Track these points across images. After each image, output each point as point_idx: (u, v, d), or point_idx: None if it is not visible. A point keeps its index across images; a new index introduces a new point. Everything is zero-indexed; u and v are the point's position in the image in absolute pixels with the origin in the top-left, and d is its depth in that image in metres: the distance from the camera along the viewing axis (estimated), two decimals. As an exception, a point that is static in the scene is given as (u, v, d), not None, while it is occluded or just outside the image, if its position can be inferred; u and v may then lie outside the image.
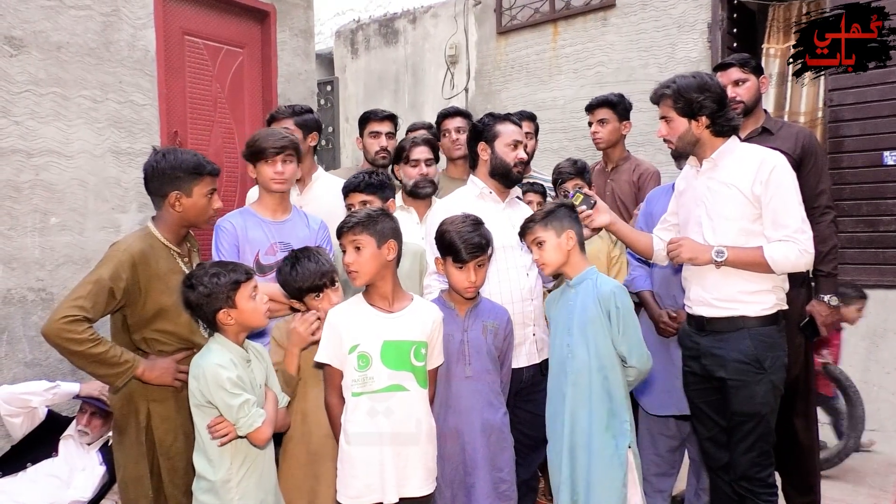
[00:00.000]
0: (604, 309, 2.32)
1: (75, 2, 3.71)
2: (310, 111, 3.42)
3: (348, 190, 2.89)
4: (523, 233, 2.45)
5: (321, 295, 2.36)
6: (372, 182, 2.87)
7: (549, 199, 3.70)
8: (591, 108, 3.75)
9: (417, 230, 3.10)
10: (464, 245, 2.33)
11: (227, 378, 2.04)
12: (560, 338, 2.44)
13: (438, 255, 2.44)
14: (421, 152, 3.21)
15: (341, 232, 2.25)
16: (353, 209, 2.80)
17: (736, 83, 3.04)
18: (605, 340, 2.33)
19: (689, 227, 2.54)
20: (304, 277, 2.33)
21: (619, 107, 3.66)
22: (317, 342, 2.29)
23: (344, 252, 2.25)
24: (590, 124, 3.74)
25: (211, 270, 2.15)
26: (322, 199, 3.21)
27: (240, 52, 4.73)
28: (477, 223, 2.39)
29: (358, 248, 2.20)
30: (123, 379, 2.31)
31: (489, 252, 2.39)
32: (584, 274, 2.41)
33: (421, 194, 3.17)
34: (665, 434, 3.18)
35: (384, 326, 2.21)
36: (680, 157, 3.05)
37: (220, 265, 2.20)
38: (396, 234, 2.29)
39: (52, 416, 3.24)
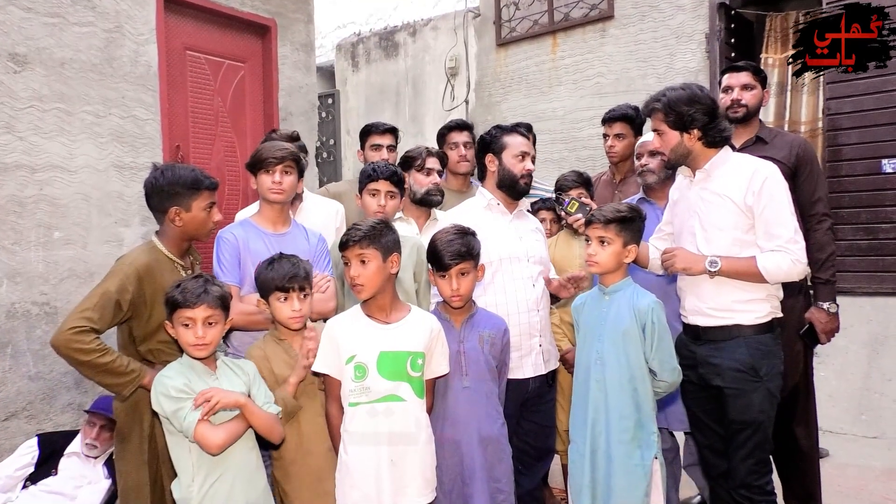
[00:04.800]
0: (639, 322, 2.32)
1: (78, 18, 3.76)
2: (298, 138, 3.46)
3: (379, 176, 2.85)
4: (589, 223, 2.42)
5: (287, 297, 2.34)
6: (401, 177, 2.90)
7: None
8: (608, 121, 3.62)
9: (416, 238, 3.13)
10: (443, 252, 2.34)
11: (171, 386, 2.08)
12: (589, 343, 2.44)
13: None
14: (434, 162, 3.25)
15: (346, 245, 2.24)
16: (376, 198, 2.83)
17: (744, 87, 3.08)
18: (637, 352, 2.34)
19: (682, 237, 2.56)
20: (275, 275, 2.33)
21: (636, 121, 3.57)
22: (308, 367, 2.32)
23: (346, 265, 2.25)
24: (605, 136, 3.65)
25: None
26: (311, 219, 3.23)
27: (241, 67, 4.78)
28: (463, 232, 2.39)
29: (363, 262, 2.20)
30: (130, 388, 2.36)
31: (474, 261, 2.37)
32: (621, 284, 2.42)
33: (432, 202, 3.21)
34: (661, 446, 3.18)
35: (381, 337, 2.22)
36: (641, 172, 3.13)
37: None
38: (399, 247, 2.30)
39: (44, 443, 3.25)
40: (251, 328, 2.65)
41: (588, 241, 2.44)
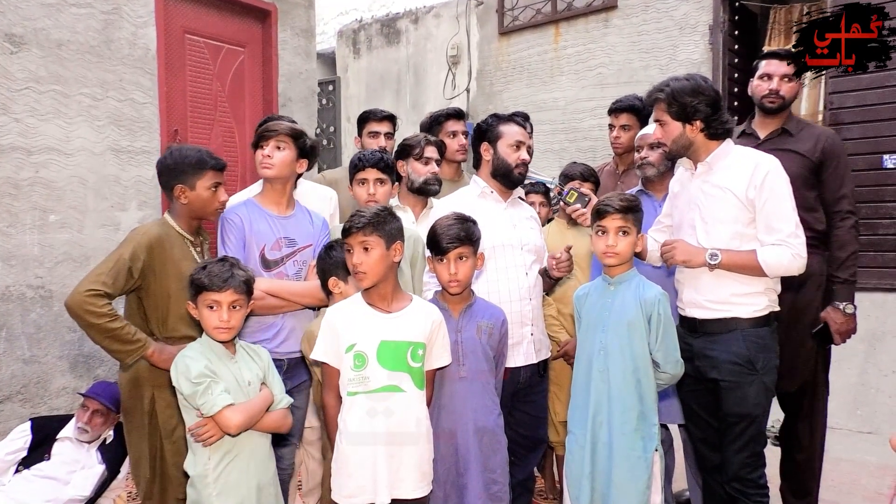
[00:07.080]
0: (645, 313, 2.31)
1: None
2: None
3: (366, 164, 2.81)
4: (605, 214, 2.35)
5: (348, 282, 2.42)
6: (389, 163, 2.86)
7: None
8: (614, 112, 3.55)
9: (413, 229, 3.11)
10: (442, 236, 2.32)
11: (193, 370, 2.09)
12: (592, 334, 2.42)
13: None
14: (433, 151, 3.22)
15: (349, 231, 2.20)
16: (365, 186, 2.80)
17: (783, 77, 2.98)
18: (641, 344, 2.32)
19: (682, 230, 2.55)
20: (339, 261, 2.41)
21: (643, 113, 3.49)
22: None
23: (349, 251, 2.22)
24: (610, 127, 3.58)
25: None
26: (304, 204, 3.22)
27: (241, 51, 4.75)
28: (463, 219, 2.37)
29: (366, 249, 2.17)
30: (133, 357, 2.44)
31: (473, 247, 2.35)
32: (627, 274, 2.39)
33: (431, 191, 3.17)
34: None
35: (382, 326, 2.19)
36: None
37: None
38: (402, 235, 2.27)
39: (38, 428, 3.24)
40: (256, 312, 2.64)
41: (600, 232, 2.39)
